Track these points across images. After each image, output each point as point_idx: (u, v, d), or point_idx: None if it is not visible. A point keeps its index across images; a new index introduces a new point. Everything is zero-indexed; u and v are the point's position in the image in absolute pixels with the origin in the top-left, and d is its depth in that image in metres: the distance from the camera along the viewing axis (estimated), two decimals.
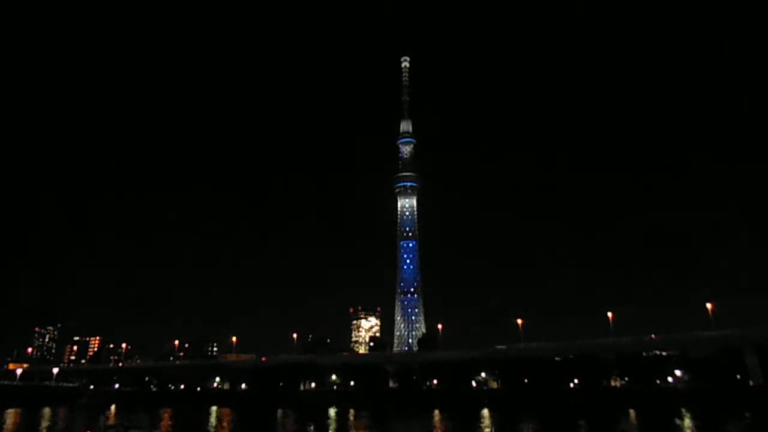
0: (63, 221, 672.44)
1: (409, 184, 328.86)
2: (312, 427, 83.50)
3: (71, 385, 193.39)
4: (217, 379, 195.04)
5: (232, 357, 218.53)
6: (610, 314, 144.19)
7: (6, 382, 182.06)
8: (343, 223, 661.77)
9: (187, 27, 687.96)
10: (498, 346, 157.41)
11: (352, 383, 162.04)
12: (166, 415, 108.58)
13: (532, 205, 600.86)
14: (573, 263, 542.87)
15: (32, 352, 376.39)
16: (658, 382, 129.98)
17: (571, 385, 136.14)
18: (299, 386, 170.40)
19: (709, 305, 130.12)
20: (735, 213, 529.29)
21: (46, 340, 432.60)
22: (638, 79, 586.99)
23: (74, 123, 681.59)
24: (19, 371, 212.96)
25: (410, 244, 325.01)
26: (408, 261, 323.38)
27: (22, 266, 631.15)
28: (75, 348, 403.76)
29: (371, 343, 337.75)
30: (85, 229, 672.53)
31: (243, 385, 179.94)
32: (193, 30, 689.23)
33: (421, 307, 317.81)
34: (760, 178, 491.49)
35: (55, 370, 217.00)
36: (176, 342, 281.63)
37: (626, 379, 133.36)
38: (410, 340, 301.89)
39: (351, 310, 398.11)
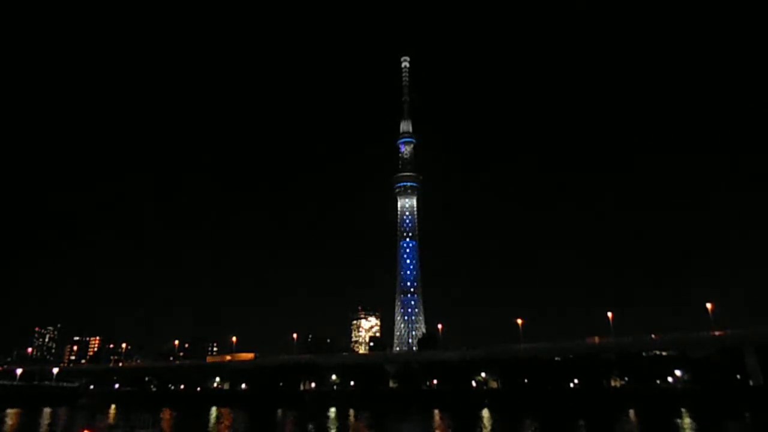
0: (63, 221, 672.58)
1: (409, 184, 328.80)
2: (312, 427, 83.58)
3: (71, 385, 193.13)
4: (217, 379, 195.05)
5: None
6: (610, 314, 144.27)
7: (6, 382, 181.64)
8: (344, 223, 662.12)
9: (186, 26, 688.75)
10: (498, 346, 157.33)
11: (352, 383, 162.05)
12: (166, 415, 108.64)
13: (533, 205, 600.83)
14: (573, 263, 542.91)
15: (32, 352, 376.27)
16: (658, 382, 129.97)
17: (571, 385, 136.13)
18: (299, 386, 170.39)
19: (709, 305, 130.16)
20: (735, 212, 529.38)
21: (46, 340, 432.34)
22: (638, 78, 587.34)
23: (71, 122, 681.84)
24: (19, 371, 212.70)
25: (410, 244, 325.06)
26: (408, 261, 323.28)
27: (22, 266, 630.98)
28: (75, 348, 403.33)
29: (371, 343, 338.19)
30: (85, 229, 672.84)
31: (243, 385, 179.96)
32: (192, 29, 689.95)
33: (421, 307, 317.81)
34: (760, 177, 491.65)
35: (55, 370, 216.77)
36: (176, 342, 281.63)
37: (626, 379, 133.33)
38: (410, 340, 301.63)
39: (351, 310, 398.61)
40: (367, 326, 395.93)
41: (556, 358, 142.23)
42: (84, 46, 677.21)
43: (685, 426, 77.09)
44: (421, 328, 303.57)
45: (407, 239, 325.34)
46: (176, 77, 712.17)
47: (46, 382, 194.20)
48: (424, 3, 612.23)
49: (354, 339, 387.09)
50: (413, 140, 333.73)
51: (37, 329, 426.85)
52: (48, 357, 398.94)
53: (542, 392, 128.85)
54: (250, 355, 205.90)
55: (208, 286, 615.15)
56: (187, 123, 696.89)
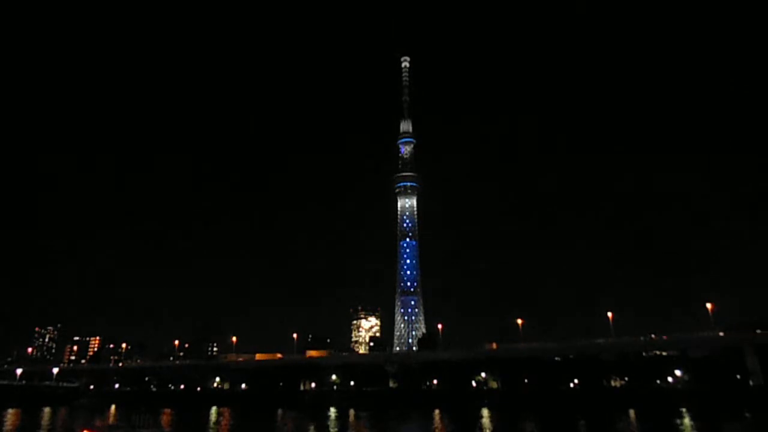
0: (63, 221, 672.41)
1: (409, 184, 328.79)
2: (312, 427, 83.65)
3: (71, 385, 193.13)
4: (217, 379, 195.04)
5: (232, 357, 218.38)
6: (610, 314, 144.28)
7: (6, 382, 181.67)
8: (343, 223, 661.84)
9: (186, 25, 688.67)
10: (498, 346, 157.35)
11: (352, 383, 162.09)
12: (166, 415, 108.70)
13: (533, 206, 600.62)
14: (573, 263, 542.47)
15: (32, 352, 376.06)
16: (658, 382, 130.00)
17: (571, 385, 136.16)
18: (299, 386, 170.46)
19: (709, 305, 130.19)
20: (735, 212, 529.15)
21: (46, 340, 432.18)
22: (639, 77, 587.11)
23: (73, 121, 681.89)
24: (19, 371, 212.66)
25: (410, 244, 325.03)
26: (408, 261, 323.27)
27: (23, 266, 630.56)
28: (75, 348, 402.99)
29: (371, 343, 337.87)
30: (86, 229, 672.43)
31: (243, 385, 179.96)
32: (192, 28, 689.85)
33: (421, 307, 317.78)
34: (759, 176, 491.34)
35: (55, 370, 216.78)
36: (176, 342, 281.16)
37: (626, 379, 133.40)
38: (410, 340, 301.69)
39: (351, 310, 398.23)
40: (367, 326, 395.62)
41: (556, 358, 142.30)
42: (86, 44, 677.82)
43: (685, 426, 77.12)
44: (421, 328, 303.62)
45: (407, 239, 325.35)
46: (176, 80, 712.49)
47: (46, 382, 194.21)
48: (424, 3, 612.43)
49: (354, 339, 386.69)
50: (413, 140, 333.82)
51: (37, 329, 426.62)
52: (48, 357, 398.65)
53: (542, 392, 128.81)
54: (264, 355, 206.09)
55: (209, 286, 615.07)
56: (188, 126, 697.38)
